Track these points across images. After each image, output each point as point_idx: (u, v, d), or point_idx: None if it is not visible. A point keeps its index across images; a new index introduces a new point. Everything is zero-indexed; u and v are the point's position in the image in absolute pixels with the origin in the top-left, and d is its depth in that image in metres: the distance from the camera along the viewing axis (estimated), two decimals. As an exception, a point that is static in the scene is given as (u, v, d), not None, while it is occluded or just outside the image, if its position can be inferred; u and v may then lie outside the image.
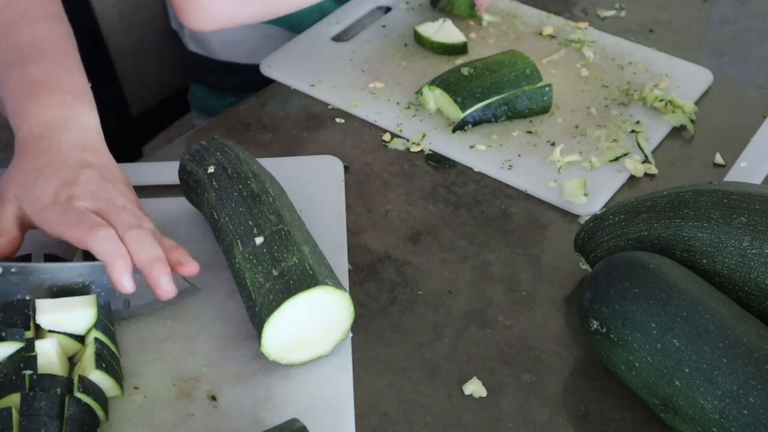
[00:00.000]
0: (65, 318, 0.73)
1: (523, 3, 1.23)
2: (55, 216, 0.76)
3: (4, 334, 0.70)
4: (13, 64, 0.86)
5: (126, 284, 0.73)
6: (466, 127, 1.02)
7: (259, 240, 0.76)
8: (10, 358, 0.70)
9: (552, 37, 1.17)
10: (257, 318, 0.73)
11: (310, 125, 1.04)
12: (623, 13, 1.23)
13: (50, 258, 0.81)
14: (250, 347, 0.77)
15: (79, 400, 0.68)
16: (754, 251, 0.73)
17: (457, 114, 1.01)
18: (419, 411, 0.75)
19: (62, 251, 0.82)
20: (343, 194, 0.93)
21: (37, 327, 0.74)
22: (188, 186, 0.86)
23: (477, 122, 1.02)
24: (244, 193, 0.80)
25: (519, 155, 0.99)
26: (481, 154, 0.99)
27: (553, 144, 1.00)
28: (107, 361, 0.72)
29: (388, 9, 1.23)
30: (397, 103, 1.06)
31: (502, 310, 0.83)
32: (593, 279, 0.74)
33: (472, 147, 1.00)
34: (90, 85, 0.88)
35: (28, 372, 0.68)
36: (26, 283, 0.76)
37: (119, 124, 1.37)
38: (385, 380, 0.77)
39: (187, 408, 0.73)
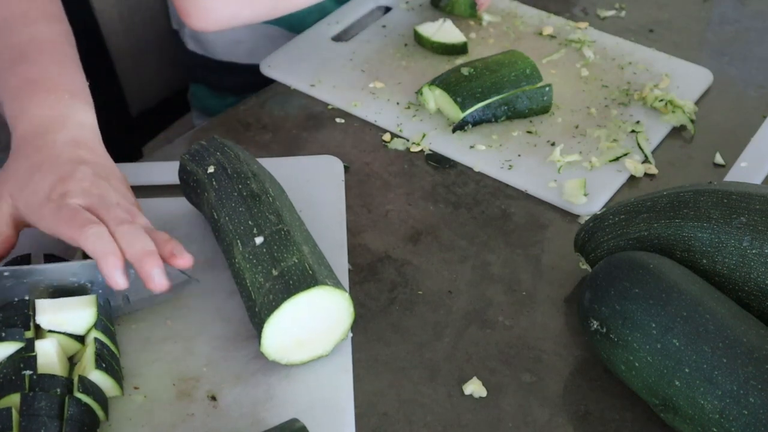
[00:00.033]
0: (65, 318, 0.73)
1: (523, 3, 1.23)
2: (48, 213, 0.76)
3: (4, 334, 0.70)
4: (12, 63, 0.86)
5: (118, 280, 0.73)
6: (466, 127, 1.02)
7: (258, 240, 0.76)
8: (10, 358, 0.70)
9: (552, 37, 1.17)
10: (257, 318, 0.73)
11: (310, 125, 1.04)
12: (623, 13, 1.23)
13: (50, 258, 0.81)
14: (250, 347, 0.77)
15: (79, 400, 0.68)
16: (754, 251, 0.73)
17: (457, 114, 1.01)
18: (419, 411, 0.75)
19: (62, 251, 0.82)
20: (343, 194, 0.93)
21: (37, 327, 0.74)
22: (188, 186, 0.86)
23: (477, 122, 1.02)
24: (244, 193, 0.80)
25: (519, 155, 0.99)
26: (481, 154, 0.99)
27: (553, 144, 1.00)
28: (107, 361, 0.72)
29: (388, 9, 1.23)
30: (397, 103, 1.06)
31: (502, 310, 0.83)
32: (593, 279, 0.74)
33: (472, 147, 1.00)
34: (88, 84, 0.88)
35: (27, 372, 0.68)
36: (21, 286, 0.76)
37: (119, 124, 1.37)
38: (385, 380, 0.77)
39: (187, 408, 0.73)
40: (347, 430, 0.72)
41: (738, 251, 0.74)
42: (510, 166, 0.98)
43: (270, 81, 1.11)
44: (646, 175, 0.97)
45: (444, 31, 1.13)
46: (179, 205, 0.89)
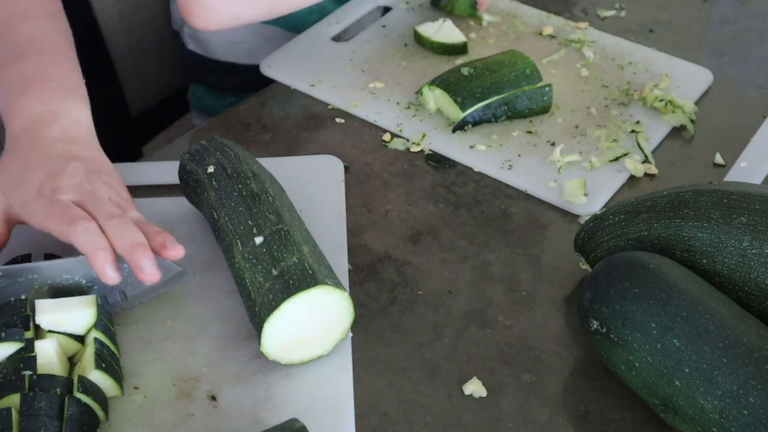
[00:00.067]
0: (65, 318, 0.73)
1: (523, 3, 1.23)
2: (39, 208, 0.76)
3: (3, 334, 0.70)
4: (8, 61, 0.86)
5: (110, 274, 0.73)
6: (466, 127, 1.02)
7: (258, 240, 0.76)
8: (10, 358, 0.70)
9: (552, 37, 1.17)
10: (257, 318, 0.73)
11: (310, 125, 1.04)
12: (623, 13, 1.23)
13: (50, 258, 0.81)
14: (250, 347, 0.77)
15: (78, 400, 0.68)
16: (754, 251, 0.73)
17: (457, 114, 1.01)
18: (419, 411, 0.75)
19: (62, 250, 0.82)
20: (343, 194, 0.93)
21: (37, 327, 0.74)
22: (188, 186, 0.86)
23: (477, 122, 1.02)
24: (244, 193, 0.80)
25: (519, 155, 0.99)
26: (481, 154, 0.99)
27: (553, 144, 1.00)
28: (107, 361, 0.72)
29: (387, 9, 1.23)
30: (397, 103, 1.06)
31: (502, 310, 0.83)
32: (593, 279, 0.74)
33: (472, 147, 1.00)
34: (89, 84, 0.88)
35: (27, 372, 0.68)
36: (16, 285, 0.76)
37: (119, 124, 1.37)
38: (385, 380, 0.77)
39: (187, 408, 0.73)
40: (347, 430, 0.72)
41: (738, 251, 0.74)
42: (510, 166, 0.98)
43: (270, 81, 1.11)
44: (646, 175, 0.97)
45: (444, 31, 1.13)
46: (179, 204, 0.89)
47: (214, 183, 0.82)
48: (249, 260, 0.75)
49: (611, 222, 0.81)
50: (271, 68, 1.12)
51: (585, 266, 0.86)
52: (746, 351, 0.66)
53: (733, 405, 0.65)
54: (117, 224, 0.74)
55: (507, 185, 0.96)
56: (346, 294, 0.74)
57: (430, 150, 1.00)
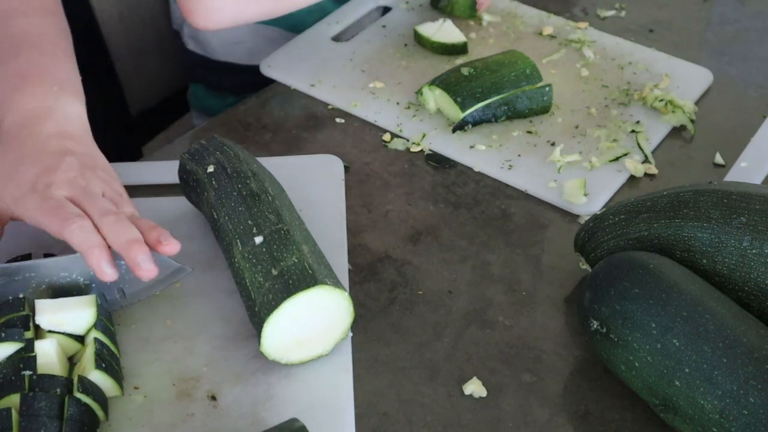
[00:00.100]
0: (65, 318, 0.73)
1: (523, 3, 1.23)
2: (33, 204, 0.75)
3: (3, 334, 0.70)
4: (3, 56, 0.86)
5: (106, 271, 0.73)
6: (466, 127, 1.02)
7: (258, 239, 0.76)
8: (10, 358, 0.70)
9: (552, 37, 1.17)
10: (257, 317, 0.73)
11: (310, 125, 1.04)
12: (623, 13, 1.23)
13: (50, 257, 0.80)
14: (250, 347, 0.77)
15: (78, 401, 0.68)
16: (754, 251, 0.73)
17: (457, 114, 1.01)
18: (419, 411, 0.75)
19: (62, 250, 0.82)
20: (343, 194, 0.93)
21: (37, 327, 0.73)
22: (188, 185, 0.86)
23: (477, 122, 1.02)
24: (244, 193, 0.80)
25: (519, 155, 0.99)
26: (481, 154, 0.99)
27: (553, 144, 1.00)
28: (107, 361, 0.72)
29: (387, 9, 1.23)
30: (397, 103, 1.06)
31: (502, 310, 0.83)
32: (593, 279, 0.74)
33: (472, 147, 1.00)
34: (89, 84, 0.88)
35: (27, 372, 0.68)
36: (13, 284, 0.76)
37: (119, 124, 1.37)
38: (385, 380, 0.77)
39: (187, 408, 0.73)
40: (347, 430, 0.72)
41: (738, 251, 0.74)
42: (510, 166, 0.98)
43: (270, 81, 1.11)
44: (646, 175, 0.97)
45: (444, 31, 1.13)
46: (179, 204, 0.89)
47: (213, 182, 0.82)
48: (249, 260, 0.75)
49: (611, 222, 0.81)
50: (271, 68, 1.12)
51: (585, 266, 0.86)
52: (746, 351, 0.66)
53: (733, 405, 0.65)
54: (112, 221, 0.74)
55: (507, 185, 0.96)
56: (346, 294, 0.74)
57: (430, 150, 1.00)
